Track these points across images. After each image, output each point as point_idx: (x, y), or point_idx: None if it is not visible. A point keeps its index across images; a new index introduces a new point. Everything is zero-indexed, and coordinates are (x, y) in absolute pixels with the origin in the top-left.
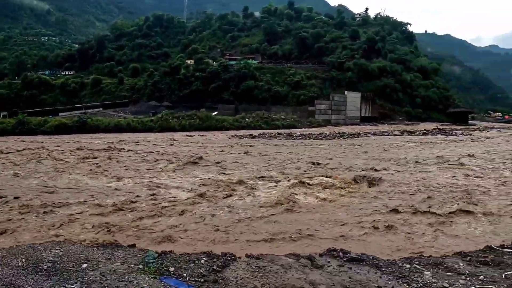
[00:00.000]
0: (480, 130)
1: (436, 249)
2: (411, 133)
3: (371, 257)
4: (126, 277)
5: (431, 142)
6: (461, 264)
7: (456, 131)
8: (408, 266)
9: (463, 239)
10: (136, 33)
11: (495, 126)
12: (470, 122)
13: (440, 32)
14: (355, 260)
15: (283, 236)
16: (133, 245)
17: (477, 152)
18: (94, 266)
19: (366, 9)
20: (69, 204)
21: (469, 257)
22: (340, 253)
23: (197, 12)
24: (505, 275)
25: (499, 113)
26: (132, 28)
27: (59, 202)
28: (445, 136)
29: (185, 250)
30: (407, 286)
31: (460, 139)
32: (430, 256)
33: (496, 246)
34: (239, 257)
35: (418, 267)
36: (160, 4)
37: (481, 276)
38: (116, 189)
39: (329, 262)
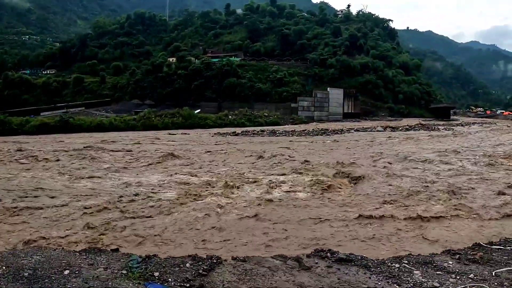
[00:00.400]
0: (462, 125)
1: (423, 247)
2: (394, 129)
3: (359, 257)
4: (110, 283)
5: (413, 138)
6: (451, 263)
7: (439, 127)
8: (397, 265)
9: (450, 236)
10: (118, 31)
11: (477, 121)
12: (452, 117)
13: (422, 28)
14: (344, 261)
15: (267, 237)
16: (117, 249)
17: (461, 147)
18: (77, 272)
19: (348, 6)
20: (50, 206)
21: (458, 255)
22: (328, 254)
23: (179, 9)
24: (495, 273)
25: (481, 108)
26: (114, 26)
27: (40, 205)
28: (428, 132)
29: (170, 253)
30: (397, 287)
31: (443, 134)
32: (419, 254)
33: (484, 243)
34: (225, 260)
35: (407, 266)
36: (142, 2)
37: (471, 274)
38: (96, 189)
39: (317, 263)
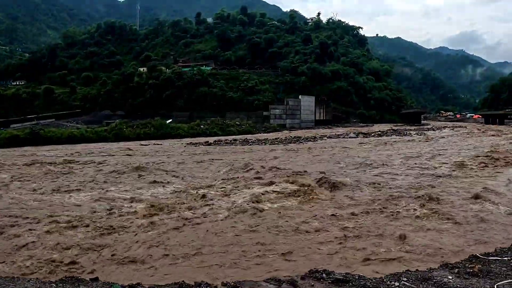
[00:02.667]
0: (433, 130)
1: (417, 260)
2: (366, 135)
3: (356, 277)
4: None
5: (385, 143)
6: (450, 277)
7: (411, 132)
8: (396, 284)
9: (442, 247)
10: (88, 41)
11: (448, 125)
12: (423, 122)
13: (391, 35)
14: (341, 282)
15: (255, 253)
16: (96, 279)
17: (436, 152)
18: None
19: (318, 14)
20: (22, 224)
21: (456, 269)
22: (324, 274)
23: (149, 19)
24: (496, 286)
25: (451, 112)
26: (84, 36)
27: (11, 224)
28: (401, 137)
29: (154, 279)
30: None
31: (415, 139)
32: (417, 270)
33: (481, 255)
34: (215, 287)
35: (407, 284)
36: (113, 11)
37: None
38: (68, 205)
39: (313, 285)
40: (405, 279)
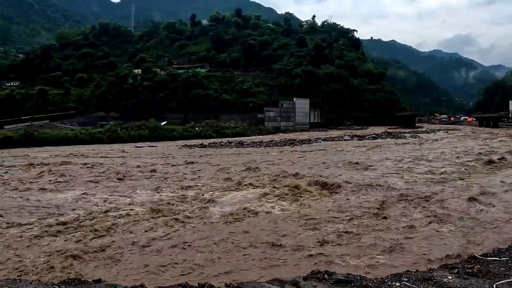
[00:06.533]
0: (428, 133)
1: (417, 261)
2: (361, 137)
3: (358, 277)
4: None
5: (381, 146)
6: (450, 278)
7: (405, 135)
8: (397, 284)
9: (441, 248)
10: (82, 42)
11: (442, 128)
12: (417, 124)
13: (386, 38)
14: (342, 282)
15: (256, 254)
16: (99, 280)
17: (429, 154)
18: None
19: (313, 16)
20: (18, 225)
21: (456, 269)
22: (325, 275)
23: (144, 20)
24: (495, 286)
25: (445, 115)
26: (78, 37)
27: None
28: (396, 140)
29: (157, 281)
30: None
31: (410, 142)
32: (417, 271)
33: (479, 255)
34: None
35: (407, 284)
36: (107, 12)
37: None
38: (67, 206)
39: (315, 286)
40: (405, 279)
